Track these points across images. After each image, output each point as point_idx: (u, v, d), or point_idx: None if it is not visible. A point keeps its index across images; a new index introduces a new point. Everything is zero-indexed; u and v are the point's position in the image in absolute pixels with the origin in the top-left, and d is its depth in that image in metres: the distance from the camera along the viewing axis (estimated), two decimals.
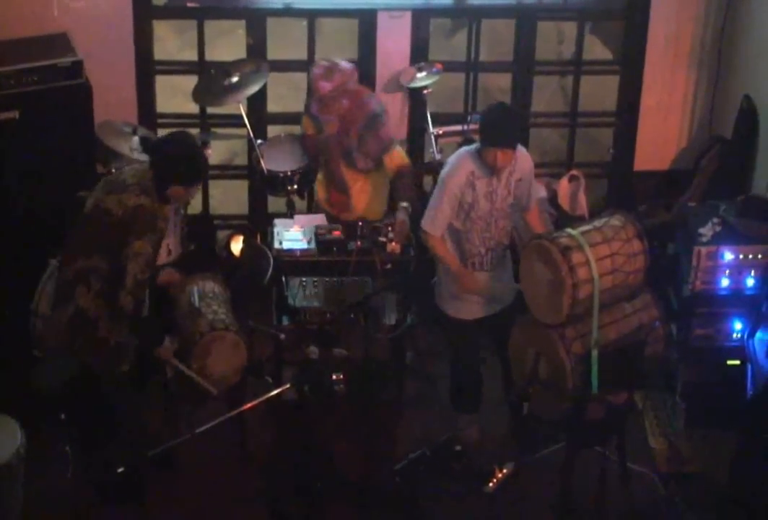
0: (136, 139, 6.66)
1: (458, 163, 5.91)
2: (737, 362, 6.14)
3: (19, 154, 6.44)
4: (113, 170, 6.60)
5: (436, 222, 5.93)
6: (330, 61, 6.61)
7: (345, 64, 6.60)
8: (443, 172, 5.98)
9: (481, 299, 6.07)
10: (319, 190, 6.88)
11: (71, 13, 7.14)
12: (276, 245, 6.37)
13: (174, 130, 5.81)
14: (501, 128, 5.76)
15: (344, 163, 6.65)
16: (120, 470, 4.95)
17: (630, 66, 7.81)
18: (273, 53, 7.62)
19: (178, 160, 5.39)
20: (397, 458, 5.18)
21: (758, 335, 5.74)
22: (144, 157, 6.43)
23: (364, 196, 6.75)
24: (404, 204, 6.44)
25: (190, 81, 7.29)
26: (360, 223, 6.34)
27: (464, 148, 6.02)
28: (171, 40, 8.82)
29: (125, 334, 5.47)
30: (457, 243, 6.03)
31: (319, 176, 6.85)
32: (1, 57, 6.57)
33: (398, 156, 6.64)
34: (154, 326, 5.65)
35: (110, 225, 5.30)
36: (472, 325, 6.11)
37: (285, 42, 8.17)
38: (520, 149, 5.94)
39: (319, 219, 6.56)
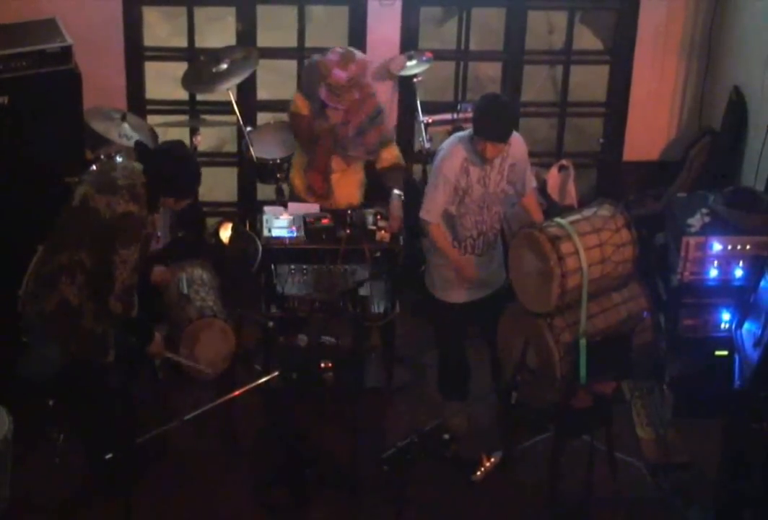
0: (125, 126, 6.64)
1: (452, 150, 5.92)
2: (725, 353, 6.14)
3: (7, 139, 6.41)
4: (101, 156, 6.59)
5: (432, 208, 5.94)
6: (345, 49, 6.40)
7: (360, 55, 6.40)
8: (437, 159, 5.98)
9: (472, 284, 6.09)
10: (297, 179, 6.64)
11: None
12: (265, 233, 6.34)
13: (170, 141, 5.76)
14: (493, 122, 5.76)
15: (333, 149, 6.55)
16: (108, 456, 4.93)
17: (620, 56, 7.80)
18: (263, 40, 7.60)
19: (173, 174, 5.40)
20: (385, 447, 5.18)
21: (746, 325, 5.73)
22: (131, 143, 6.44)
23: (343, 184, 6.58)
24: (397, 192, 6.41)
25: (180, 68, 7.28)
26: (349, 211, 6.33)
27: (457, 135, 6.03)
28: (161, 27, 8.80)
29: (111, 326, 5.46)
30: (451, 228, 6.03)
31: (298, 163, 6.62)
32: None
33: (395, 153, 6.55)
34: (143, 324, 5.63)
35: (98, 226, 5.28)
36: (461, 309, 6.13)
37: (275, 29, 8.15)
38: (514, 135, 5.93)
39: (313, 208, 6.51)
